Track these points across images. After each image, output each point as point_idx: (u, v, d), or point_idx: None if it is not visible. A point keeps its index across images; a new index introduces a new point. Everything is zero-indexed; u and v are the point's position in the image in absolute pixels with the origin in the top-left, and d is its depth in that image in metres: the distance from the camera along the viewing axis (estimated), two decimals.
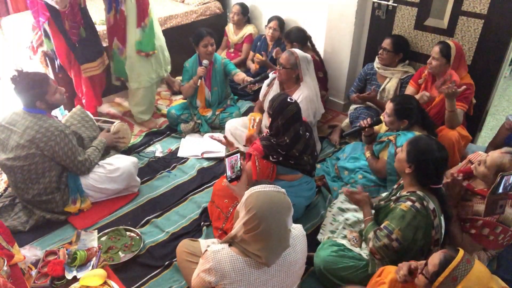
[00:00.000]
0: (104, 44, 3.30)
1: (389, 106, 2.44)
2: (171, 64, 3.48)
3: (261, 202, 1.41)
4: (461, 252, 1.34)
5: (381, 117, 2.58)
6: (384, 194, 2.21)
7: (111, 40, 3.14)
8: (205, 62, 3.18)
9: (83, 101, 3.25)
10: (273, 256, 1.44)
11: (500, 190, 1.74)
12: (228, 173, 1.71)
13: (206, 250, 1.53)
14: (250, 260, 1.45)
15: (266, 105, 2.81)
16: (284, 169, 2.28)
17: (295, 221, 2.44)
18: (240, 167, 1.74)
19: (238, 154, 1.77)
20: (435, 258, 1.37)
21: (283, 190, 1.50)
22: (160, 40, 3.28)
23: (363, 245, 2.01)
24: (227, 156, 1.70)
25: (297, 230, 1.61)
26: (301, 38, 3.29)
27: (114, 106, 3.69)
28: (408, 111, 2.39)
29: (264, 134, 2.41)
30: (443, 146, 1.82)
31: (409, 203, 1.73)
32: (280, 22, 3.73)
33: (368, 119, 2.63)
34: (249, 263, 1.45)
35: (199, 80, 3.17)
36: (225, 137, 2.42)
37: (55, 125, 2.30)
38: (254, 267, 1.45)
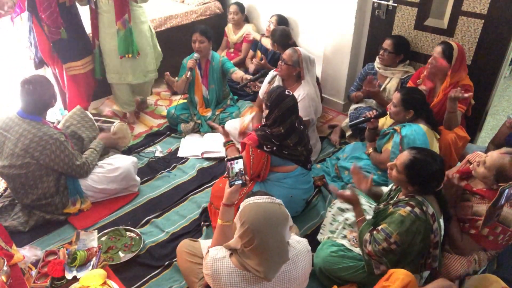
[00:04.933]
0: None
1: (396, 96, 2.43)
2: (170, 63, 3.46)
3: (254, 215, 1.37)
4: None
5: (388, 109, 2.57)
6: (385, 189, 2.18)
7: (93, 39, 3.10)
8: (196, 55, 3.20)
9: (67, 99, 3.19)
10: (271, 270, 1.38)
11: (502, 202, 1.73)
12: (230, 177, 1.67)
13: (208, 251, 1.52)
14: (248, 274, 1.41)
15: None
16: (279, 160, 2.29)
17: (296, 216, 2.45)
18: (243, 172, 1.71)
19: (241, 160, 1.70)
20: None
21: (279, 200, 1.44)
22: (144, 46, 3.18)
23: None
24: (229, 160, 1.66)
25: (301, 245, 1.53)
26: (283, 43, 3.27)
27: (114, 106, 3.68)
28: (415, 101, 2.39)
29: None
30: (436, 154, 1.80)
31: (408, 208, 1.72)
32: (280, 18, 3.71)
33: (374, 111, 2.65)
34: (246, 278, 1.41)
35: (190, 73, 3.17)
36: (223, 127, 2.44)
37: (49, 133, 2.27)
38: (251, 282, 1.41)
